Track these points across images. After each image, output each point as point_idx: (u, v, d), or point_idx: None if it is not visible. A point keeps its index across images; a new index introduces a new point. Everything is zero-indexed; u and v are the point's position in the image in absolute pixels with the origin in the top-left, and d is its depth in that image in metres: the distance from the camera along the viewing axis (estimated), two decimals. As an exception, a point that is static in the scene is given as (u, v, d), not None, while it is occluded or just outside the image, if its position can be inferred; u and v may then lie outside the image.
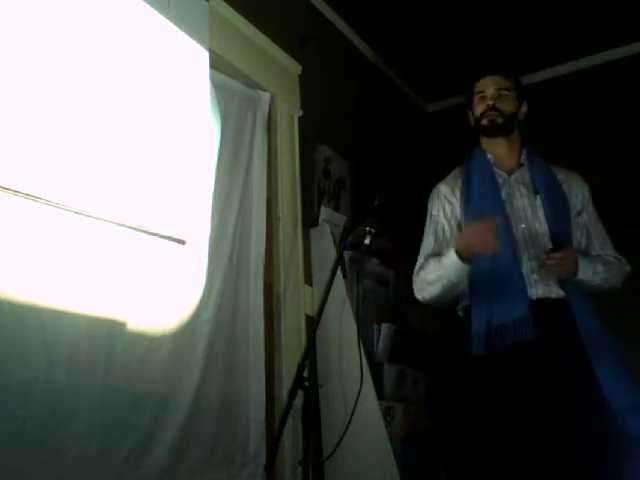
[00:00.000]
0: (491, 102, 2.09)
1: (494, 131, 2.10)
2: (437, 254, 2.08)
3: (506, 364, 1.86)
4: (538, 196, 2.06)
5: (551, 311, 1.91)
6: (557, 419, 1.79)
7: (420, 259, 2.13)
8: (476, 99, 2.14)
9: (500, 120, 2.08)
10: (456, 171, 2.22)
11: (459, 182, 2.15)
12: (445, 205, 2.15)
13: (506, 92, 2.11)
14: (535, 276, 1.95)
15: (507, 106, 2.09)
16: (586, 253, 2.07)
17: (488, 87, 2.11)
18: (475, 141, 2.22)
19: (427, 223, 2.18)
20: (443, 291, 2.02)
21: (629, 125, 3.33)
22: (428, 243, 2.13)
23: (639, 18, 3.19)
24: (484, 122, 2.10)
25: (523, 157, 2.15)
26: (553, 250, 1.94)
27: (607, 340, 1.89)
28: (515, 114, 2.11)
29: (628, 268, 2.08)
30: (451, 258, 1.94)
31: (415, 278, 2.11)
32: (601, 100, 3.44)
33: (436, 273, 2.01)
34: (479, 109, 2.12)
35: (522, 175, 2.12)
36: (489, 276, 1.93)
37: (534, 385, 1.82)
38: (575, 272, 1.94)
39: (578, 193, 2.14)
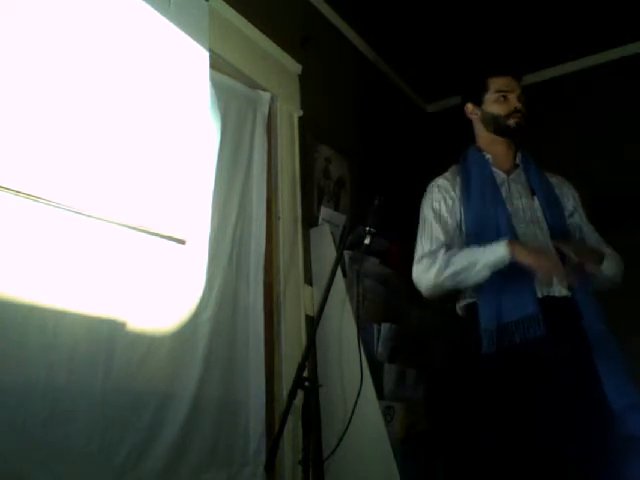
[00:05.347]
0: (519, 104, 2.11)
1: (519, 133, 2.13)
2: (448, 245, 2.01)
3: (513, 363, 1.85)
4: (535, 196, 2.08)
5: (556, 309, 1.91)
6: (562, 418, 1.78)
7: (429, 245, 2.03)
8: (494, 97, 2.14)
9: (523, 122, 2.11)
10: (453, 168, 2.22)
11: (458, 179, 2.15)
12: (447, 199, 2.11)
13: (522, 94, 2.14)
14: (539, 274, 1.95)
15: (524, 108, 2.13)
16: None
17: (514, 89, 2.13)
18: (472, 140, 2.23)
19: (426, 214, 2.11)
20: (460, 276, 1.93)
21: (628, 125, 3.33)
22: (437, 232, 2.04)
23: (639, 18, 3.20)
24: (511, 122, 2.10)
25: (518, 159, 2.17)
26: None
27: (611, 339, 1.89)
28: None
29: (622, 265, 2.08)
30: (501, 251, 1.87)
31: (427, 259, 2.00)
32: (601, 100, 3.44)
33: (468, 258, 1.92)
34: (502, 109, 2.12)
35: (519, 175, 2.14)
36: (496, 273, 1.91)
37: (540, 384, 1.82)
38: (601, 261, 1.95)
39: (570, 196, 2.19)
